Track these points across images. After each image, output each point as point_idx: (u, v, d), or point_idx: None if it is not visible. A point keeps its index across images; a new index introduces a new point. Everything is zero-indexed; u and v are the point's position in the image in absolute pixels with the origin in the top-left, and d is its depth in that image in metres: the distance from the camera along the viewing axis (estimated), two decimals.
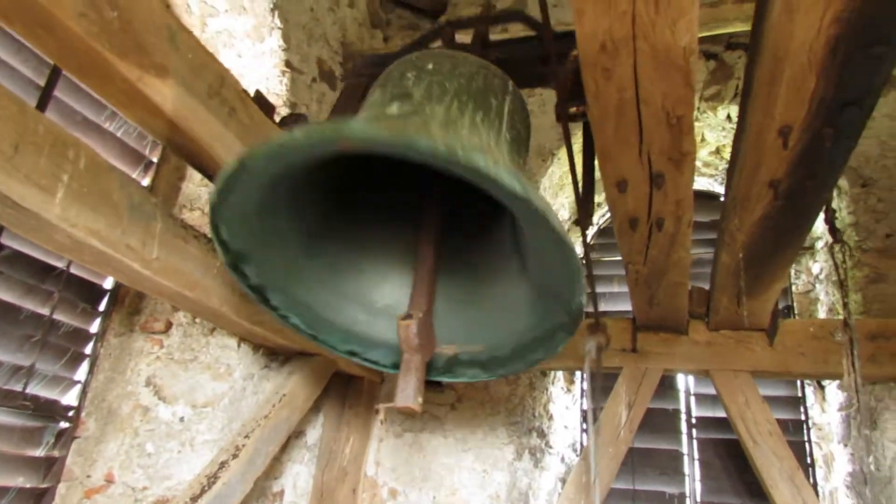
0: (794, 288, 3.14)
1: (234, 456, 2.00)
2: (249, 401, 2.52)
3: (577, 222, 1.85)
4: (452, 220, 1.78)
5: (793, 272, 3.14)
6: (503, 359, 1.57)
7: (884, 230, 2.66)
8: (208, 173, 1.89)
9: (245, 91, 1.84)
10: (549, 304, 1.44)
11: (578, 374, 3.37)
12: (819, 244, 3.05)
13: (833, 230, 1.85)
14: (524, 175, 1.42)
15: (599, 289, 3.39)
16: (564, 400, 3.34)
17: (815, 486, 2.79)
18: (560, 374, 3.28)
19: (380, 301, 1.68)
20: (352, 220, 1.67)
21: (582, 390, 3.33)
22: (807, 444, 2.89)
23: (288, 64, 3.02)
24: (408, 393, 1.39)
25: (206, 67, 1.66)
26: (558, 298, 1.39)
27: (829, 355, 2.40)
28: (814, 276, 3.07)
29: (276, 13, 2.66)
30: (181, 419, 2.27)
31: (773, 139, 1.31)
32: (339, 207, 1.63)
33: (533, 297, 1.49)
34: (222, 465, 1.96)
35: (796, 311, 3.07)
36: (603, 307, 3.28)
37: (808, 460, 2.86)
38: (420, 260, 1.59)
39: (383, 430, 2.97)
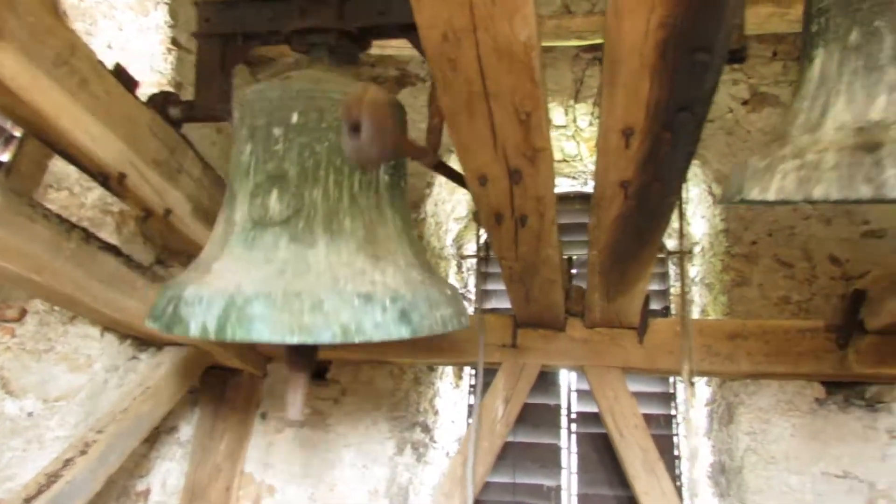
0: (672, 289, 3.29)
1: (83, 452, 1.88)
2: (111, 394, 2.39)
3: (475, 217, 1.86)
4: None
5: (672, 274, 3.28)
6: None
7: (750, 237, 2.82)
8: (57, 148, 1.76)
9: (101, 63, 1.73)
10: None
11: (467, 369, 3.40)
12: (696, 248, 3.21)
13: (681, 237, 1.93)
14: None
15: (494, 286, 3.44)
16: (453, 395, 3.36)
17: (679, 476, 2.93)
18: (449, 369, 3.29)
19: None
20: None
21: (470, 386, 3.36)
22: (675, 438, 3.03)
23: (175, 42, 2.88)
24: (296, 408, 1.41)
25: (51, 34, 1.55)
26: None
27: (691, 353, 2.52)
28: (691, 278, 3.22)
29: None
30: (29, 414, 2.12)
31: (618, 140, 1.35)
32: None
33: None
34: (67, 462, 1.84)
35: (673, 312, 3.21)
36: (495, 304, 3.32)
37: (676, 452, 3.00)
38: None
39: (264, 426, 2.89)
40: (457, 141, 1.44)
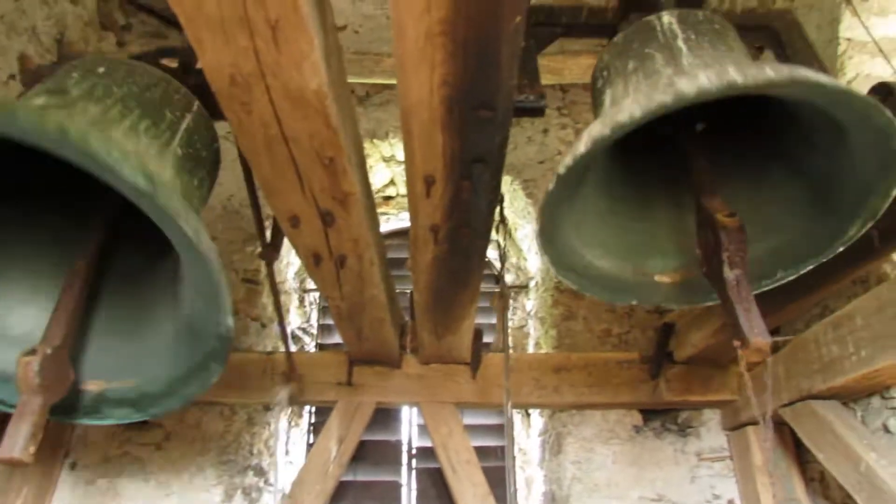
0: (510, 323, 3.41)
1: None
2: None
3: (261, 255, 1.81)
4: (126, 244, 1.63)
5: (511, 308, 3.41)
6: (156, 395, 1.45)
7: None
8: None
9: None
10: (199, 330, 1.35)
11: (308, 408, 3.31)
12: (531, 283, 3.36)
13: (498, 278, 2.02)
14: (179, 186, 1.35)
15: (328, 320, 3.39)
16: (292, 435, 3.25)
17: None
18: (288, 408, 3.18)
19: (17, 328, 1.47)
20: None
21: (310, 424, 3.27)
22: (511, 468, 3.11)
23: None
24: (16, 441, 1.20)
25: None
26: (207, 324, 1.32)
27: (521, 386, 2.62)
28: (527, 312, 3.36)
29: None
30: None
31: (421, 187, 1.38)
32: None
33: (185, 325, 1.40)
34: None
35: (511, 346, 3.32)
36: (332, 340, 3.27)
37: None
38: (67, 285, 1.41)
39: (73, 478, 2.63)
40: (261, 182, 1.40)
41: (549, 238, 1.46)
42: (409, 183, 1.42)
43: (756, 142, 1.59)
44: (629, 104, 1.12)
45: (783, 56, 1.71)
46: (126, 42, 3.72)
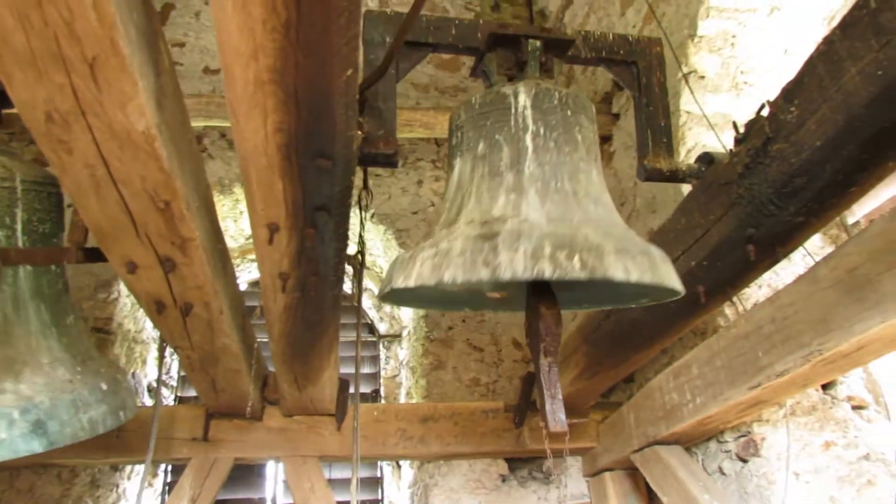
0: (383, 373, 3.38)
1: None
2: None
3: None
4: None
5: (383, 357, 3.38)
6: None
7: (447, 323, 3.03)
8: None
9: None
10: None
11: (163, 466, 3.09)
12: (405, 332, 3.36)
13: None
14: None
15: None
16: (146, 496, 3.01)
17: None
18: (140, 467, 2.95)
19: None
20: None
21: (165, 484, 3.05)
22: None
23: None
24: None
25: None
26: None
27: (387, 437, 2.58)
28: (400, 361, 3.35)
29: None
30: None
31: (265, 234, 1.36)
32: None
33: None
34: None
35: (383, 395, 3.29)
36: (187, 392, 3.10)
37: None
38: None
39: None
40: (92, 226, 1.33)
41: (388, 297, 1.48)
42: (253, 230, 1.39)
43: None
44: (456, 260, 1.17)
45: (639, 102, 1.82)
46: None
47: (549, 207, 1.28)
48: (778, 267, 2.21)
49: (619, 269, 1.11)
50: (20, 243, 1.42)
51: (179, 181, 1.24)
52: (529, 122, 1.44)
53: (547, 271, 1.08)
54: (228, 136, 3.25)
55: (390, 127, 1.60)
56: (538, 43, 1.50)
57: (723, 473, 2.17)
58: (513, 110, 1.48)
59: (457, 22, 1.61)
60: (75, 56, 0.93)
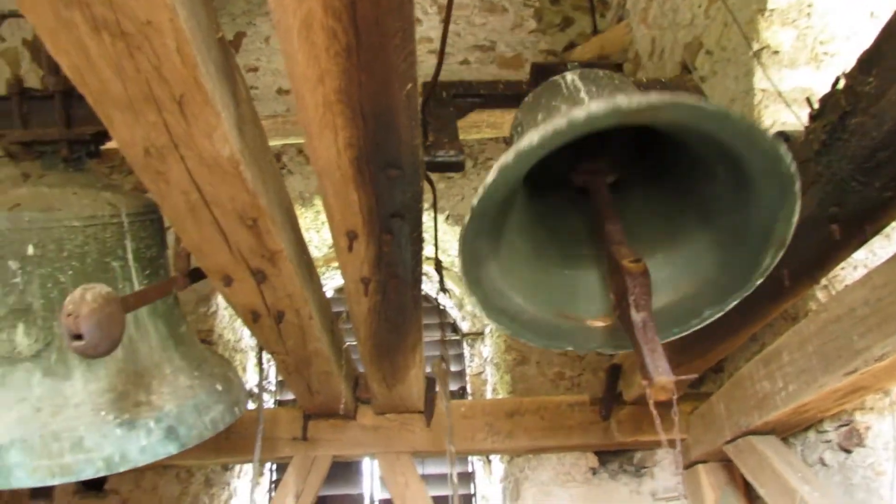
0: (468, 370, 3.44)
1: None
2: None
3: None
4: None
5: (467, 355, 3.44)
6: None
7: None
8: None
9: None
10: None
11: (268, 465, 3.28)
12: (487, 329, 3.41)
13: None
14: None
15: None
16: (256, 494, 3.21)
17: None
18: (248, 466, 3.15)
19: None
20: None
21: (271, 482, 3.24)
22: None
23: None
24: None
25: None
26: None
27: (475, 433, 2.64)
28: (484, 358, 3.40)
29: None
30: None
31: (345, 242, 1.44)
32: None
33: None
34: None
35: (470, 392, 3.35)
36: (291, 396, 3.27)
37: None
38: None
39: None
40: (190, 245, 1.46)
41: (474, 278, 1.52)
42: (334, 239, 1.48)
43: (668, 191, 1.68)
44: (530, 133, 1.20)
45: None
46: None
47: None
48: (875, 246, 2.11)
49: (690, 97, 1.13)
50: (133, 271, 1.56)
51: (264, 199, 1.34)
52: (580, 86, 1.50)
53: (623, 103, 1.09)
54: (305, 151, 3.41)
55: (454, 134, 1.66)
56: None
57: (825, 465, 2.08)
58: (564, 85, 1.54)
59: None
60: (165, 96, 1.03)
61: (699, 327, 1.62)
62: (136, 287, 1.62)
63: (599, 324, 1.70)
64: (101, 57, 0.95)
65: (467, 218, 1.32)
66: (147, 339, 1.70)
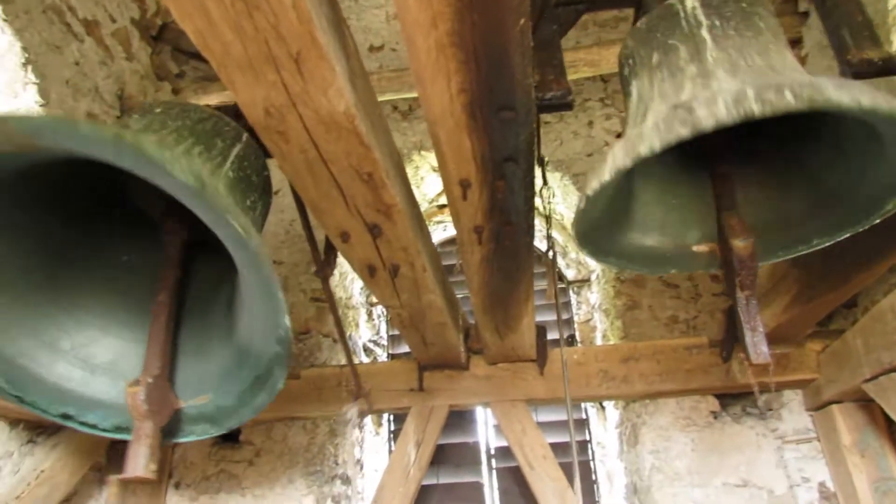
0: (576, 318, 3.40)
1: None
2: (6, 481, 2.30)
3: (316, 273, 1.91)
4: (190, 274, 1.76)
5: (574, 303, 3.40)
6: (229, 409, 1.55)
7: None
8: None
9: None
10: (260, 339, 1.43)
11: (386, 416, 3.41)
12: (593, 276, 3.34)
13: (560, 276, 2.03)
14: (241, 209, 1.45)
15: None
16: (374, 443, 3.36)
17: (597, 501, 3.00)
18: (367, 418, 3.29)
19: (100, 356, 1.61)
20: (65, 261, 1.58)
21: (389, 432, 3.37)
22: (591, 462, 3.10)
23: None
24: (138, 461, 1.35)
25: None
26: (266, 330, 1.38)
27: (590, 379, 2.62)
28: (592, 305, 3.35)
29: (30, 68, 2.53)
30: None
31: (458, 191, 1.44)
32: (46, 245, 1.51)
33: (247, 336, 1.49)
34: None
35: (579, 340, 3.32)
36: (402, 349, 3.37)
37: (593, 477, 3.07)
38: (155, 317, 1.54)
39: (178, 496, 2.82)
40: (309, 204, 1.50)
41: (587, 240, 1.51)
42: (447, 188, 1.48)
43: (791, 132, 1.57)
44: (649, 132, 1.14)
45: (823, 7, 1.66)
46: (181, 88, 3.96)
47: (744, 77, 1.21)
48: None
49: (845, 96, 1.00)
50: (228, 171, 1.52)
51: (377, 152, 1.35)
52: (702, 18, 1.40)
53: (755, 107, 1.01)
54: (401, 108, 3.42)
55: (560, 70, 1.60)
56: None
57: None
58: (682, 14, 1.43)
59: None
60: (283, 54, 1.05)
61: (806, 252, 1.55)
62: (228, 172, 1.54)
63: (704, 248, 1.67)
64: (222, 19, 0.97)
65: (582, 204, 1.32)
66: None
